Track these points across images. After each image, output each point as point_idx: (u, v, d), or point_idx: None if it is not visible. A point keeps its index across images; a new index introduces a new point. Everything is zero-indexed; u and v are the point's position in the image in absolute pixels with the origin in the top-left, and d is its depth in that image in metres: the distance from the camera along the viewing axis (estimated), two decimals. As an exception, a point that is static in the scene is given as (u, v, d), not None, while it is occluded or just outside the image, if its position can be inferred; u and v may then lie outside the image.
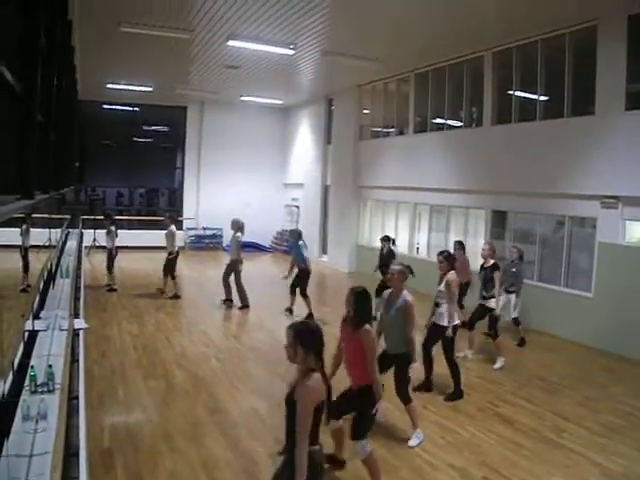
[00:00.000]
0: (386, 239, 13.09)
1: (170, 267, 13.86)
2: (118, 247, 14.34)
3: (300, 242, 12.44)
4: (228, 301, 13.18)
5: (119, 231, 14.49)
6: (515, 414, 7.42)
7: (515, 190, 12.93)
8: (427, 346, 8.09)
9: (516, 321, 10.72)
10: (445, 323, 7.80)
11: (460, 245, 12.08)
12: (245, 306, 12.94)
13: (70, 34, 7.49)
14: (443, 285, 7.91)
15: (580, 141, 11.32)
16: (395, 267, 6.81)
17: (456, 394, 7.91)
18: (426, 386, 8.14)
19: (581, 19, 11.10)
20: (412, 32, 12.71)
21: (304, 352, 3.73)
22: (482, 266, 9.86)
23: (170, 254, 13.79)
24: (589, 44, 11.13)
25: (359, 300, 5.34)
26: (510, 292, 10.47)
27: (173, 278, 13.93)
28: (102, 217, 15.48)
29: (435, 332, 7.96)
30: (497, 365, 9.44)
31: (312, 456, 3.62)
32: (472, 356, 9.78)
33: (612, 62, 10.64)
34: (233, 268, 13.00)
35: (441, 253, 8.30)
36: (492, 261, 9.72)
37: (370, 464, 5.29)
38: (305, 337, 3.79)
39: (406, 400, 6.57)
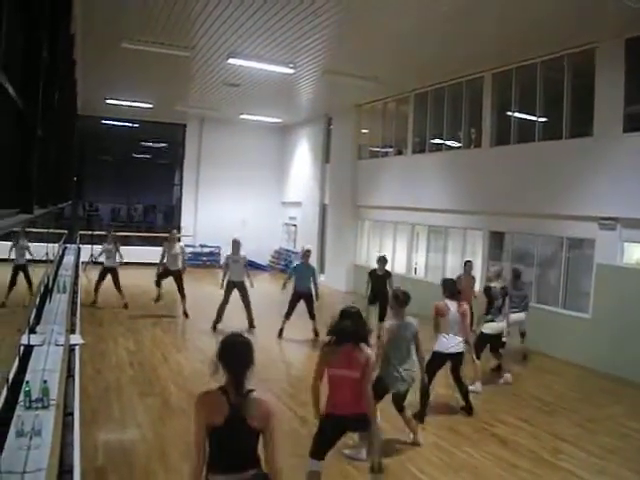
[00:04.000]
0: (383, 260, 12.47)
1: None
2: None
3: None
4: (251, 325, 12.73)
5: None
6: (512, 435, 7.37)
7: (513, 211, 12.94)
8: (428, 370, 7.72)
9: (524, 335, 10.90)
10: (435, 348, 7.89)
11: (468, 265, 12.06)
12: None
13: (72, 49, 7.53)
14: None
15: (578, 162, 11.36)
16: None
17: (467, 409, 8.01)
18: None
19: (580, 42, 11.18)
20: (412, 52, 12.79)
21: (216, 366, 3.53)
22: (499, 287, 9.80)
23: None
24: (588, 66, 11.22)
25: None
26: (523, 310, 10.50)
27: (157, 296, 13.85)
28: (104, 233, 15.26)
29: (432, 357, 7.85)
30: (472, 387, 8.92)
31: None
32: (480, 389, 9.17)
33: (610, 84, 10.72)
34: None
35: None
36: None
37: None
38: (221, 350, 3.56)
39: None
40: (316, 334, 12.02)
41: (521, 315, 10.50)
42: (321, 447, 5.05)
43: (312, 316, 12.19)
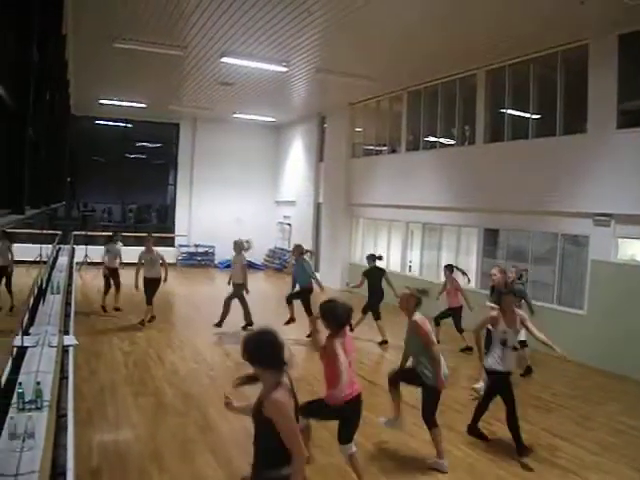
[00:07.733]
0: (372, 258, 12.51)
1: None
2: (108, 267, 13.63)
3: (305, 258, 12.36)
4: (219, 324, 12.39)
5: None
6: (508, 432, 7.33)
7: (507, 208, 12.95)
8: None
9: (524, 343, 9.86)
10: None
11: (449, 269, 11.88)
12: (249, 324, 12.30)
13: (64, 49, 7.48)
14: None
15: (572, 159, 11.37)
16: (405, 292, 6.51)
17: None
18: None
19: (573, 38, 11.20)
20: (405, 51, 12.78)
21: (261, 369, 3.48)
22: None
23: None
24: (581, 63, 11.24)
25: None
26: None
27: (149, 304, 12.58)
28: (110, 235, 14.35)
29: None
30: (478, 385, 8.84)
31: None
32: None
33: (604, 80, 10.73)
34: (239, 293, 12.33)
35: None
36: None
37: (354, 462, 5.35)
38: (259, 352, 3.49)
39: (431, 424, 6.36)
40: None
41: None
42: None
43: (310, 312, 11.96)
